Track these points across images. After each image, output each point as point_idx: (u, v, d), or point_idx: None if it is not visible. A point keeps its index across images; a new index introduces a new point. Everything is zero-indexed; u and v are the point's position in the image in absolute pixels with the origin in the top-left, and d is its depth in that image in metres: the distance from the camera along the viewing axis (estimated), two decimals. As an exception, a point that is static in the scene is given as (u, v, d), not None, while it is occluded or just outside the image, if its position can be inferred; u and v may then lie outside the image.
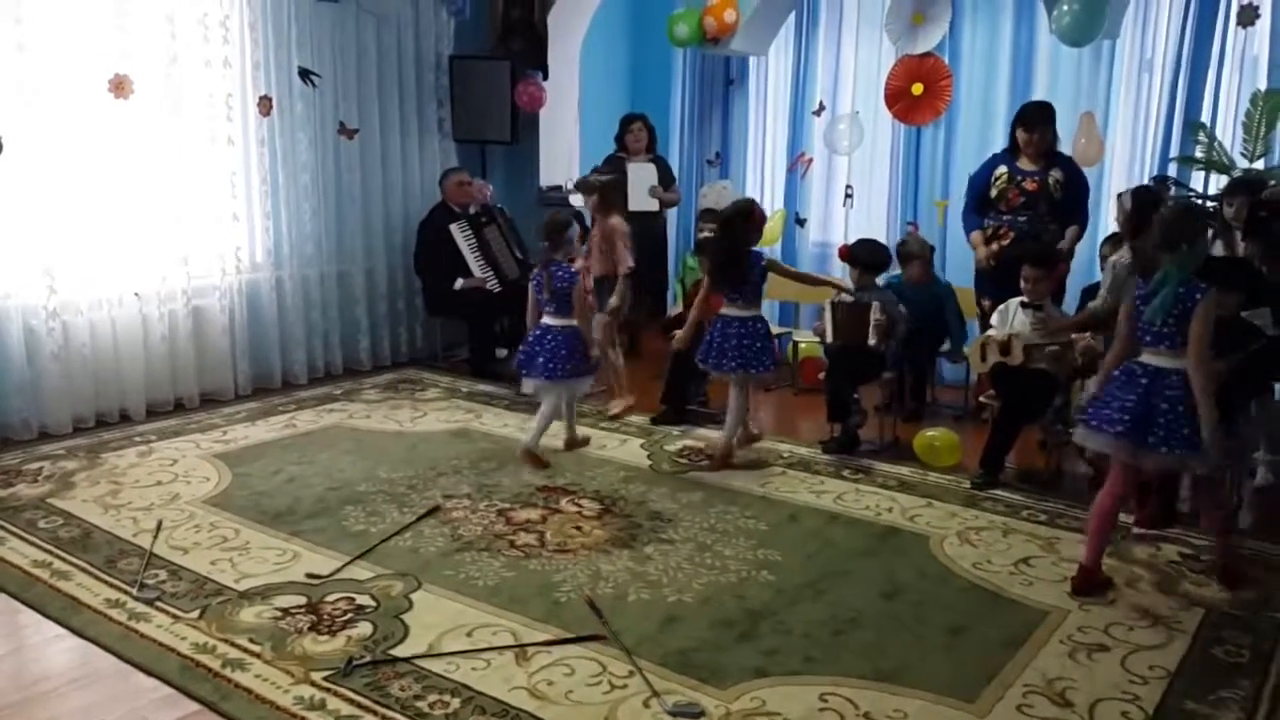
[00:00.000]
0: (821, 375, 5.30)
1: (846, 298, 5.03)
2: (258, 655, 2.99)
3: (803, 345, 6.33)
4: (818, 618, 3.28)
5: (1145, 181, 5.47)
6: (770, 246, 7.15)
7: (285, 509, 4.16)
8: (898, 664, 3.00)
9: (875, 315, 4.89)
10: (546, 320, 4.82)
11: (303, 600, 3.34)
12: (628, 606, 3.34)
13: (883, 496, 4.41)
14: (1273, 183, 4.56)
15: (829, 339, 5.09)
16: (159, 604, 3.32)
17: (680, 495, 4.38)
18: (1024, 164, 5.17)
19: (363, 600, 3.35)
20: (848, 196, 6.75)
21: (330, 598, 3.36)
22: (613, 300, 5.50)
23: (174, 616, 3.23)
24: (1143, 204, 4.12)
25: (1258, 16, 5.28)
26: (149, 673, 2.92)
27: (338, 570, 3.57)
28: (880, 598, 3.44)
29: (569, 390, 4.90)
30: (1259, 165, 4.96)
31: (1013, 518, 4.18)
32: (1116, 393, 3.41)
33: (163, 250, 5.51)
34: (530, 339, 4.86)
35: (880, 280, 5.22)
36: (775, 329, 6.74)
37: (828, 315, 5.07)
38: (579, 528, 4.01)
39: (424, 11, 6.73)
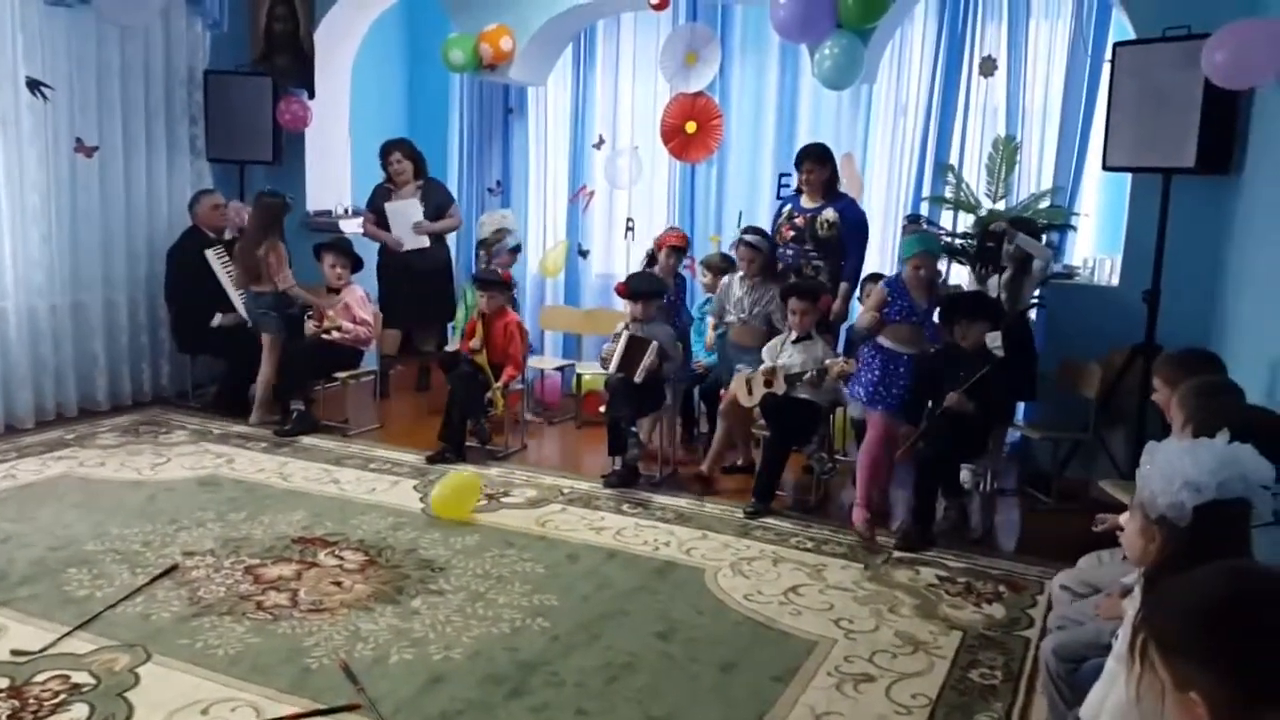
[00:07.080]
0: (602, 409, 5.23)
1: (640, 331, 5.00)
2: (-68, 758, 2.57)
3: (586, 378, 6.26)
4: (592, 664, 3.16)
5: (906, 214, 5.79)
6: (553, 278, 7.09)
7: (-6, 574, 3.65)
8: (669, 709, 2.92)
9: (649, 356, 4.89)
10: None
11: (4, 683, 2.91)
12: (388, 669, 3.10)
13: (661, 530, 4.37)
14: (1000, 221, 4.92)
15: (613, 368, 5.03)
16: None
17: (454, 540, 4.17)
18: (805, 202, 5.29)
19: (80, 678, 2.95)
20: (629, 230, 6.77)
21: (40, 677, 2.95)
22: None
23: None
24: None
25: (996, 68, 5.70)
26: None
27: (52, 644, 3.14)
28: (655, 638, 3.37)
29: None
30: (1001, 205, 5.32)
31: (783, 545, 4.24)
32: None
33: None
34: None
35: None
36: (559, 361, 6.73)
37: (621, 342, 5.01)
38: (338, 583, 3.71)
39: (175, 23, 6.24)
